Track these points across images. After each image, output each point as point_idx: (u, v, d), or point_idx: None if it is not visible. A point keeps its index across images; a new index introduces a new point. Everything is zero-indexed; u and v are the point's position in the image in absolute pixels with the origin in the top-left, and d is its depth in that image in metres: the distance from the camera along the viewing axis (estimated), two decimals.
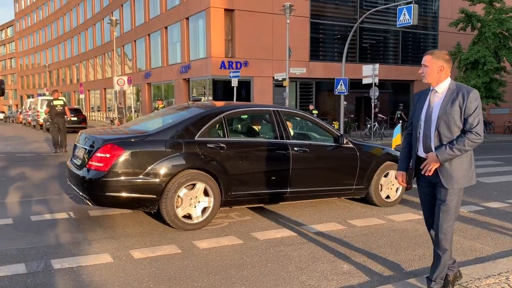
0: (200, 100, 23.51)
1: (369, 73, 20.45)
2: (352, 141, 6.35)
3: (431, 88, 3.23)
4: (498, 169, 11.00)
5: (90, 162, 4.89)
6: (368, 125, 21.79)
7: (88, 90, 46.77)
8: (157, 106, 20.81)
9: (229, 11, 23.23)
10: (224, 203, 5.35)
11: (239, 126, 6.17)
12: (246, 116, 6.26)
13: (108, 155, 4.76)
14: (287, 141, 5.72)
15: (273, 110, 5.88)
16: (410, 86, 29.46)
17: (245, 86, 23.77)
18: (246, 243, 4.72)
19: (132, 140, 4.99)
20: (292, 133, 6.05)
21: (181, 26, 26.49)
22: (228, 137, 5.43)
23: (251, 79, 23.88)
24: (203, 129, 5.27)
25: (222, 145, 5.29)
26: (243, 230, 5.20)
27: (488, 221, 5.86)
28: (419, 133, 3.27)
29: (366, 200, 6.63)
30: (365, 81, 20.93)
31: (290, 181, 5.68)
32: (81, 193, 5.05)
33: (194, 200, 5.13)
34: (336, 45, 26.62)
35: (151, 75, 31.53)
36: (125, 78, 22.61)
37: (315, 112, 20.70)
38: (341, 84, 19.74)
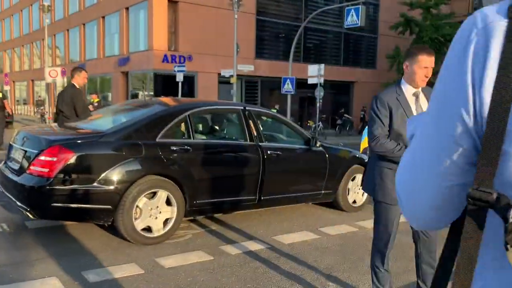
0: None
1: (315, 73, 20.45)
2: (322, 144, 6.01)
3: (415, 90, 2.89)
4: None
5: (31, 167, 4.11)
6: (313, 125, 21.87)
7: (13, 82, 43.28)
8: (92, 100, 19.45)
9: (172, 3, 22.27)
10: (188, 213, 4.77)
11: (206, 126, 5.58)
12: (212, 115, 5.69)
13: (54, 159, 4.01)
14: (259, 143, 5.25)
15: (242, 109, 5.37)
16: (351, 87, 30.08)
17: (188, 82, 22.93)
18: (217, 260, 4.19)
19: (84, 141, 4.27)
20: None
21: (120, 16, 25.07)
22: (193, 139, 4.86)
23: (195, 74, 23.09)
24: (165, 129, 4.65)
25: (187, 147, 4.71)
26: (211, 243, 4.66)
27: None
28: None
29: (332, 204, 6.33)
30: (310, 81, 20.92)
31: (260, 187, 5.21)
32: (19, 204, 4.23)
33: (155, 210, 4.51)
34: (281, 44, 26.50)
35: (85, 67, 29.65)
36: (59, 69, 20.95)
37: (274, 110, 20.48)
38: (288, 83, 19.58)
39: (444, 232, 0.76)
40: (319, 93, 20.78)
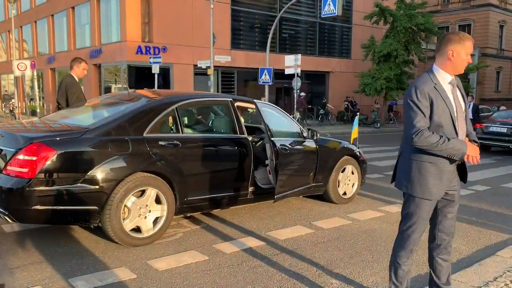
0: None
1: (292, 63, 20.31)
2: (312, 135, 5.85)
3: (451, 78, 2.72)
4: None
5: (8, 168, 3.78)
6: (291, 115, 21.73)
7: None
8: None
9: None
10: (179, 211, 4.54)
11: (194, 119, 5.32)
12: (201, 108, 5.43)
13: (34, 158, 3.71)
14: (249, 136, 5.04)
15: (231, 100, 5.14)
16: (326, 77, 30.09)
17: (163, 74, 22.40)
18: (212, 260, 3.99)
19: (66, 137, 3.96)
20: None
21: (91, 6, 24.21)
22: (182, 133, 4.60)
23: (170, 66, 22.56)
24: (152, 123, 4.38)
25: (176, 142, 4.46)
26: (203, 242, 4.44)
27: None
28: (456, 130, 2.72)
29: (323, 197, 6.20)
30: (287, 71, 20.78)
31: (252, 181, 5.02)
32: None
33: (144, 209, 4.25)
34: (257, 34, 26.21)
35: (55, 60, 28.65)
36: (28, 62, 20.11)
37: None
38: (265, 74, 19.36)
39: None
40: (296, 84, 20.65)
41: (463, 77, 31.17)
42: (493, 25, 40.68)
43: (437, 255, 2.99)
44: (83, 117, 4.80)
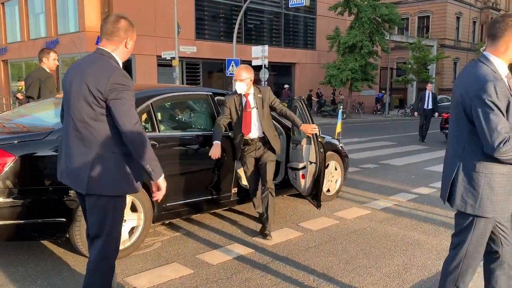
0: None
1: (259, 54, 19.95)
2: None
3: (506, 69, 2.33)
4: (397, 150, 11.27)
5: None
6: None
7: None
8: (20, 88, 17.65)
9: None
10: (157, 218, 4.10)
11: (171, 116, 4.85)
12: (178, 103, 4.96)
13: None
14: (230, 132, 4.64)
15: (210, 94, 4.72)
16: (292, 68, 29.92)
17: (125, 66, 21.40)
18: (198, 273, 3.59)
19: (27, 140, 3.43)
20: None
21: None
22: (159, 131, 4.15)
23: (132, 57, 21.65)
24: None
25: (153, 142, 4.00)
26: (186, 252, 4.03)
27: (432, 211, 5.57)
28: None
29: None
30: (254, 62, 20.37)
31: (235, 181, 4.63)
32: None
33: None
34: (222, 24, 25.62)
35: (7, 51, 27.00)
36: None
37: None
38: (232, 65, 18.90)
39: None
40: (264, 75, 20.30)
41: (424, 68, 31.80)
42: (450, 17, 41.74)
43: (501, 274, 2.55)
44: (46, 115, 4.25)
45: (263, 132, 4.41)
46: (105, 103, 2.37)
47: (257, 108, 4.36)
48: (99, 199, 2.46)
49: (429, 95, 13.63)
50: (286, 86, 26.25)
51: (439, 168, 8.77)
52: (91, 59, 2.53)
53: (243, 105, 4.35)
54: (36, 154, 3.37)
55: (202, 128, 4.81)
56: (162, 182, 2.54)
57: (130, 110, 2.38)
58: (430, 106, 13.54)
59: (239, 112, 4.35)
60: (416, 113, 14.56)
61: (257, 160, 4.48)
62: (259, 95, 4.40)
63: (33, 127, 3.81)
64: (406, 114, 30.48)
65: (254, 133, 4.40)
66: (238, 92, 4.36)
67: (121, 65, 2.57)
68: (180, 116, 5.02)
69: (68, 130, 2.51)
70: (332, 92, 28.82)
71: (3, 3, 27.14)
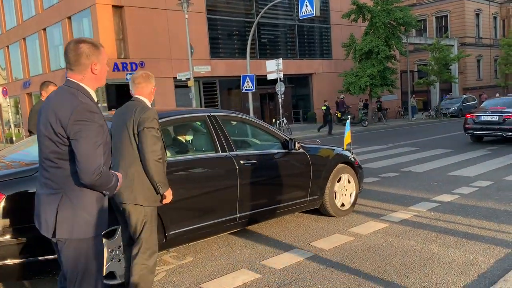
0: None
1: (273, 68, 19.89)
2: (302, 145, 5.34)
3: None
4: (420, 156, 10.89)
5: None
6: (278, 121, 21.27)
7: None
8: None
9: (117, 8, 21.04)
10: (160, 247, 3.96)
11: (169, 140, 4.75)
12: (175, 127, 4.86)
13: None
14: (231, 153, 4.50)
15: (207, 115, 4.60)
16: (309, 79, 29.74)
17: None
18: None
19: (16, 177, 3.38)
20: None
21: (63, 26, 23.55)
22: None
23: None
24: None
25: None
26: (191, 282, 3.88)
27: (455, 220, 5.23)
28: None
29: (319, 211, 5.69)
30: (270, 76, 20.33)
31: (239, 204, 4.47)
32: None
33: (117, 251, 3.68)
34: (235, 41, 25.76)
35: (30, 84, 27.84)
36: None
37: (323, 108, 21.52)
38: (247, 81, 18.89)
39: None
40: (280, 88, 20.20)
41: (445, 68, 31.08)
42: (469, 14, 40.87)
43: None
44: (35, 150, 4.20)
45: None
46: (69, 141, 2.22)
47: None
48: (70, 242, 2.30)
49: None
50: (341, 96, 26.44)
51: (463, 172, 8.47)
52: (58, 93, 2.35)
53: None
54: (26, 191, 3.30)
55: (201, 150, 4.68)
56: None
57: (89, 151, 2.18)
58: None
59: None
60: None
61: None
62: None
63: (24, 163, 3.76)
64: (431, 117, 29.77)
65: None
66: None
67: (93, 94, 2.35)
68: (179, 139, 4.91)
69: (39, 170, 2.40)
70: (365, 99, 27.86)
71: (24, 38, 28.09)
